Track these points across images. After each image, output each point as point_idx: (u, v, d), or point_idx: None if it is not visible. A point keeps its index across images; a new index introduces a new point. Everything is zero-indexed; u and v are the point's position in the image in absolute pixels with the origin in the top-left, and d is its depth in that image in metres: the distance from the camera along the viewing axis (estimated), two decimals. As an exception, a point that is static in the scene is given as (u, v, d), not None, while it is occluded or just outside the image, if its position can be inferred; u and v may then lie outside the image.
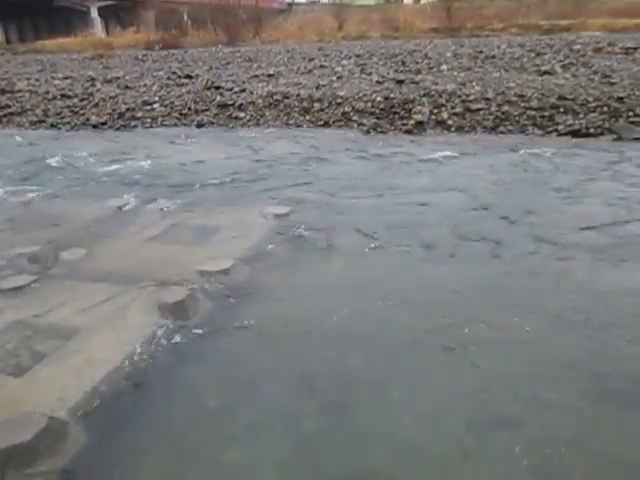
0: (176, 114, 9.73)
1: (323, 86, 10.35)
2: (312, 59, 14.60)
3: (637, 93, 8.47)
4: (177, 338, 2.89)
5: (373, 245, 3.99)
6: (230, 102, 9.90)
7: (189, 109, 9.92)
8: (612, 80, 9.20)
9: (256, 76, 12.18)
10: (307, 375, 2.56)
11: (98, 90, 11.99)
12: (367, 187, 5.40)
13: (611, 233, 4.07)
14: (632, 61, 10.81)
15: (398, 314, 3.05)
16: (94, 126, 9.48)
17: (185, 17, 40.10)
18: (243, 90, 10.66)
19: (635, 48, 11.87)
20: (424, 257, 3.80)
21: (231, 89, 10.79)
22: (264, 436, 2.21)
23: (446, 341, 2.76)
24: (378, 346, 2.78)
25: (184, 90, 11.02)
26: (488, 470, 2.01)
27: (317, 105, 9.36)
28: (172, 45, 27.82)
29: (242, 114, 9.46)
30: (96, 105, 10.60)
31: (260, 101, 9.82)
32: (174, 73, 13.43)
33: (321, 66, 13.08)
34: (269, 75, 12.17)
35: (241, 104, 9.82)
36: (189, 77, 12.74)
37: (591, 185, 5.29)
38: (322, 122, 8.83)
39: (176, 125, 9.28)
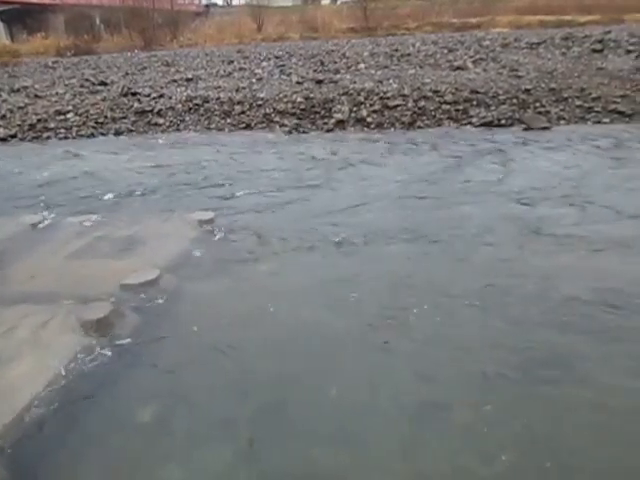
0: (92, 123, 9.36)
1: (243, 88, 10.30)
2: (231, 62, 14.47)
3: (542, 85, 8.99)
4: (103, 356, 2.80)
5: (297, 246, 4.02)
6: (148, 108, 9.65)
7: (106, 117, 9.58)
8: (519, 73, 9.71)
9: (174, 81, 11.93)
10: (240, 382, 2.56)
11: (5, 100, 11.34)
12: (290, 188, 5.43)
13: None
14: (536, 55, 11.45)
15: (320, 315, 3.10)
16: (2, 139, 8.95)
17: (97, 21, 38.60)
18: (161, 95, 10.42)
19: (539, 43, 12.58)
20: (345, 254, 3.87)
21: (149, 95, 10.51)
22: (202, 447, 2.18)
23: (367, 342, 2.83)
24: (303, 348, 2.81)
25: (99, 98, 10.62)
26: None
27: (238, 108, 9.30)
28: (85, 51, 26.69)
29: (161, 120, 9.25)
30: (3, 117, 10.02)
31: (179, 106, 9.64)
32: (88, 80, 12.91)
33: (241, 68, 12.99)
34: (188, 79, 11.95)
35: (160, 110, 9.59)
36: (104, 84, 12.29)
37: (498, 170, 5.58)
38: (244, 125, 8.78)
39: (93, 135, 8.93)
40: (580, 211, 4.47)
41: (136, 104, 10.00)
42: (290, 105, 9.05)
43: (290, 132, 8.20)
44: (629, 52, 11.02)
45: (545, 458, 2.04)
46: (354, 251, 3.88)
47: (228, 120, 9.03)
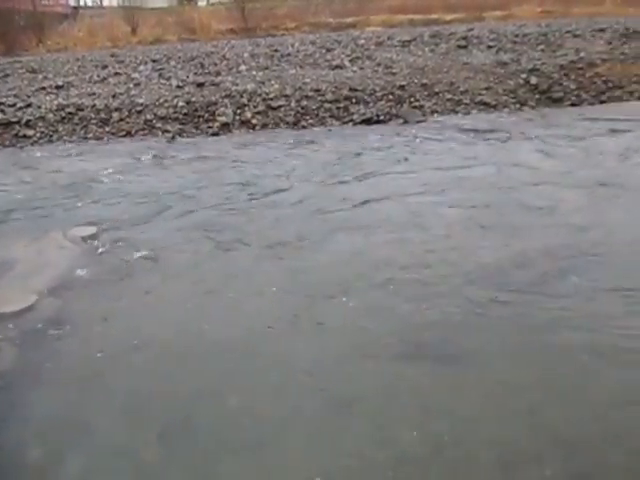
0: (-53, 139, 8.51)
1: (120, 94, 9.84)
2: (105, 66, 13.76)
3: (415, 81, 9.47)
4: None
5: (181, 256, 3.95)
6: (15, 119, 8.94)
7: (-36, 131, 8.75)
8: (393, 70, 10.14)
9: (43, 88, 11.13)
10: (138, 407, 2.46)
11: None
12: (173, 198, 5.30)
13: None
14: (408, 52, 12.03)
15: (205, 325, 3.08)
16: None
17: (-52, 26, 35.04)
18: (29, 105, 9.69)
19: (410, 41, 13.21)
20: (236, 258, 3.87)
21: (14, 105, 9.73)
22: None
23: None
24: (196, 365, 2.77)
25: (-44, 110, 9.67)
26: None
27: (116, 115, 8.89)
28: None
29: (31, 132, 8.61)
30: None
31: (51, 116, 9.03)
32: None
33: (116, 73, 12.39)
34: (58, 86, 11.20)
35: (28, 121, 8.92)
36: (-40, 95, 11.20)
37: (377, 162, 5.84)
38: (124, 132, 8.42)
39: (-50, 151, 8.12)
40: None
41: (0, 115, 9.23)
42: (172, 110, 8.81)
43: (173, 138, 7.99)
44: (490, 47, 11.90)
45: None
46: (236, 256, 3.88)
47: (107, 128, 8.60)
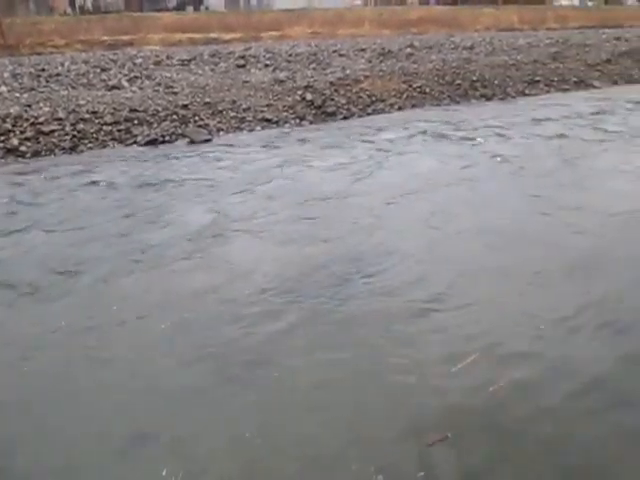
0: None
1: None
2: None
3: (198, 100, 9.49)
4: None
5: None
6: None
7: None
8: (175, 90, 10.04)
9: None
10: None
11: None
12: None
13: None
14: (189, 71, 12.00)
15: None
16: None
17: None
18: None
19: (189, 60, 13.20)
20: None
21: None
22: None
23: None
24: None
25: None
26: None
27: None
28: None
29: None
30: None
31: None
32: None
33: None
34: None
35: None
36: None
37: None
38: None
39: None
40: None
41: None
42: None
43: None
44: (267, 66, 12.47)
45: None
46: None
47: None
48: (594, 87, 12.77)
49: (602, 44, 16.02)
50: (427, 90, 11.03)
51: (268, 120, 9.23)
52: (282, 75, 11.24)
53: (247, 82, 10.71)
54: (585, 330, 3.11)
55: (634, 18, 30.35)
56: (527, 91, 11.97)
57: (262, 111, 9.43)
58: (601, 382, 2.66)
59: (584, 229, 4.52)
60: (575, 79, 12.91)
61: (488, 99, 11.24)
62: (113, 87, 10.20)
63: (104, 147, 7.87)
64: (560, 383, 2.67)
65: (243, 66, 12.49)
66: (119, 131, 8.22)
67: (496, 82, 11.82)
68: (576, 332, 3.09)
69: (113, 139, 8.05)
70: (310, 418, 2.50)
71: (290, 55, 13.54)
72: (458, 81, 11.51)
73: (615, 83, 13.28)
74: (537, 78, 12.50)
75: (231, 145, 7.81)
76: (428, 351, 2.95)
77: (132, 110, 8.77)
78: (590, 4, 48.68)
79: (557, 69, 13.18)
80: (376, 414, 2.52)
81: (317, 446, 2.33)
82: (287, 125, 9.10)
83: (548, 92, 12.08)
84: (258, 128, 8.95)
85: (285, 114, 9.44)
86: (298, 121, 9.31)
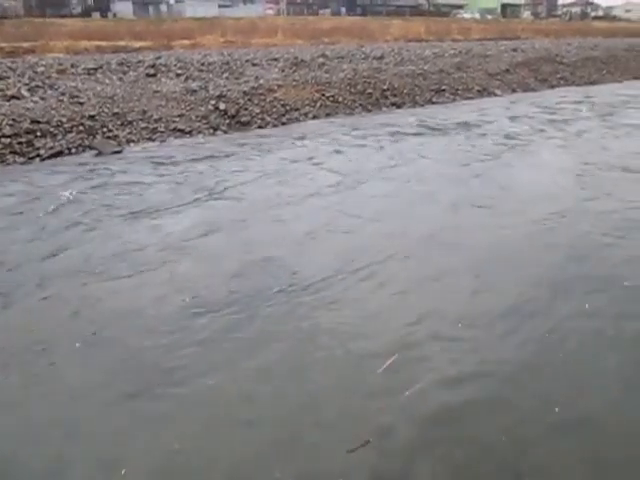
0: None
1: None
2: None
3: (106, 110, 9.13)
4: None
5: None
6: None
7: None
8: (81, 100, 9.59)
9: None
10: None
11: None
12: None
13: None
14: (95, 80, 11.51)
15: None
16: None
17: None
18: None
19: (96, 68, 12.66)
20: None
21: None
22: None
23: None
24: None
25: None
26: None
27: None
28: None
29: None
30: None
31: None
32: None
33: None
34: None
35: None
36: None
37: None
38: None
39: None
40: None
41: None
42: None
43: None
44: (178, 75, 12.22)
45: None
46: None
47: None
48: (495, 95, 13.58)
49: (501, 55, 17.05)
50: (340, 99, 11.25)
51: (181, 130, 9.05)
52: (194, 85, 11.06)
53: (158, 92, 10.44)
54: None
55: (529, 30, 32.65)
56: (435, 99, 12.52)
57: (174, 121, 9.24)
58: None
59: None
60: (478, 88, 13.67)
61: (398, 107, 11.63)
62: (12, 97, 9.60)
63: (3, 162, 7.39)
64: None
65: (154, 75, 12.17)
66: (20, 144, 7.74)
67: (405, 91, 12.26)
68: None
69: (13, 152, 7.58)
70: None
71: (202, 64, 13.35)
72: (369, 90, 11.83)
73: (514, 91, 14.19)
74: (443, 87, 13.11)
75: (141, 157, 7.58)
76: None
77: (34, 121, 8.29)
78: (489, 17, 51.88)
79: (461, 78, 13.88)
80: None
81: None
82: (201, 135, 8.97)
83: (454, 100, 12.69)
84: (170, 138, 8.75)
85: (198, 124, 9.30)
86: (212, 131, 9.20)
